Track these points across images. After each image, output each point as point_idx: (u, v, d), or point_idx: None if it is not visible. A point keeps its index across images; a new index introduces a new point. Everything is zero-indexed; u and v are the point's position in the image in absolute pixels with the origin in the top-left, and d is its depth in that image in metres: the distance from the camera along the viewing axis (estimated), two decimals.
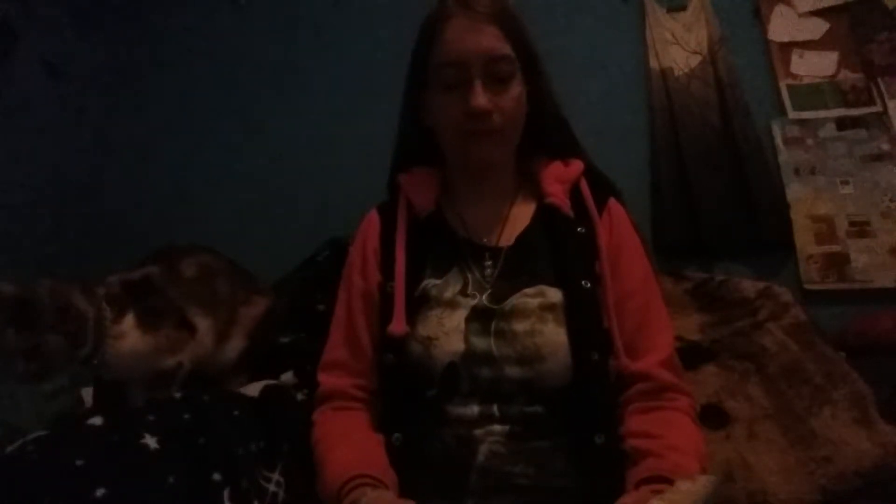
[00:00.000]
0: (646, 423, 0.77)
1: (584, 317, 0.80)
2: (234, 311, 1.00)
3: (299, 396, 0.97)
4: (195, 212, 2.07)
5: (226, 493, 0.74)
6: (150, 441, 0.71)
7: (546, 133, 0.92)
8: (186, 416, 0.79)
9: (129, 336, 0.87)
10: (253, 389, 0.94)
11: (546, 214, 0.88)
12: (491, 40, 0.82)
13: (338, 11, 2.11)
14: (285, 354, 1.13)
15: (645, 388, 0.80)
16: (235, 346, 0.97)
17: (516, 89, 0.84)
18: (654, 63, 1.84)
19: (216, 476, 0.74)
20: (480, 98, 0.80)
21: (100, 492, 0.63)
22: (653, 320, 0.85)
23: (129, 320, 0.88)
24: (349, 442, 0.80)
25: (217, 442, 0.77)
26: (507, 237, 0.89)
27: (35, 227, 1.91)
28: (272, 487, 0.81)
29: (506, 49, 0.83)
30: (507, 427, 0.76)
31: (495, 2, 0.84)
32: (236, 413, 0.85)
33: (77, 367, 0.85)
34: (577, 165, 0.92)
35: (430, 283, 0.86)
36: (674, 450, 0.72)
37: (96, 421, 0.73)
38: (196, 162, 2.11)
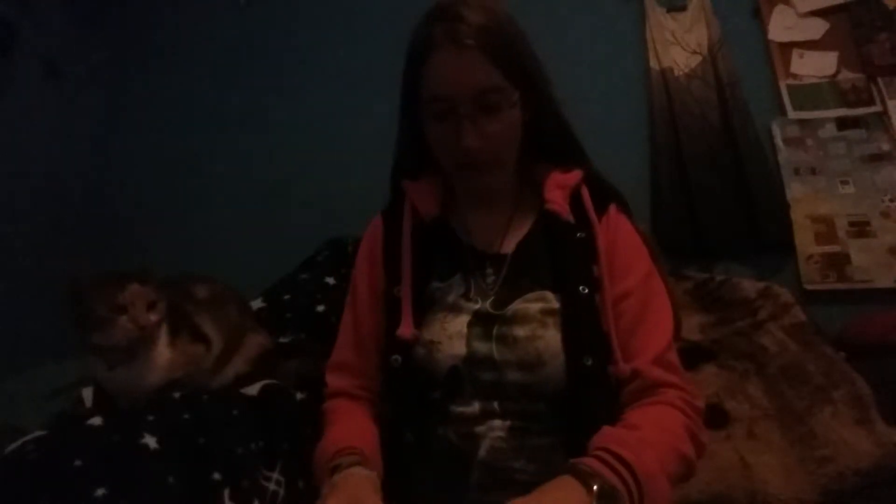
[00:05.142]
0: (630, 416, 0.77)
1: (580, 322, 0.80)
2: (242, 335, 1.01)
3: (299, 396, 0.97)
4: (195, 212, 2.07)
5: (226, 493, 0.74)
6: (150, 441, 0.71)
7: (548, 142, 0.92)
8: (186, 415, 0.79)
9: (160, 344, 0.86)
10: (252, 389, 0.94)
11: (546, 220, 0.89)
12: (479, 74, 0.79)
13: (338, 11, 2.12)
14: (285, 354, 1.14)
15: (636, 388, 0.79)
16: (235, 368, 0.97)
17: (507, 117, 0.82)
18: (654, 63, 1.84)
19: (216, 476, 0.74)
20: (468, 139, 0.80)
21: (100, 492, 0.63)
22: (648, 320, 0.83)
23: (163, 327, 0.87)
24: (348, 420, 0.86)
25: (217, 442, 0.77)
26: (509, 244, 0.90)
27: (35, 228, 1.91)
28: (272, 486, 0.81)
29: (494, 79, 0.79)
30: (508, 422, 0.78)
31: (482, 28, 0.79)
32: (236, 413, 0.85)
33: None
34: (576, 172, 0.91)
35: (435, 286, 0.87)
36: (643, 443, 0.70)
37: (96, 421, 0.72)
38: (196, 162, 2.11)
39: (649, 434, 0.72)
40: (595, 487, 0.63)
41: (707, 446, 0.81)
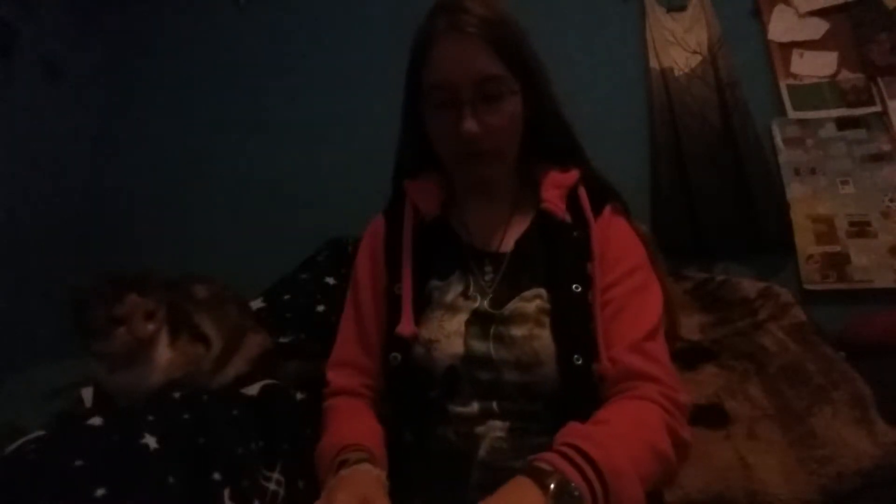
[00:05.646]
0: (602, 411, 0.74)
1: (570, 321, 0.79)
2: (242, 334, 1.01)
3: (299, 396, 0.97)
4: (195, 212, 2.07)
5: (226, 493, 0.74)
6: (150, 441, 0.71)
7: (547, 141, 0.92)
8: (186, 415, 0.79)
9: (160, 346, 0.87)
10: (252, 389, 0.94)
11: (543, 220, 0.89)
12: (480, 61, 0.80)
13: (338, 12, 2.12)
14: (285, 354, 1.14)
15: (612, 378, 0.77)
16: (235, 368, 0.97)
17: (508, 107, 0.83)
18: (654, 63, 1.84)
19: (216, 476, 0.74)
20: (469, 124, 0.80)
21: (100, 492, 0.63)
22: (629, 310, 0.81)
23: (163, 330, 0.88)
24: (354, 418, 0.85)
25: (217, 442, 0.77)
26: (508, 243, 0.90)
27: (35, 228, 1.91)
28: (272, 486, 0.81)
29: (496, 68, 0.81)
30: (507, 423, 0.78)
31: (485, 19, 0.81)
32: (236, 413, 0.85)
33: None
34: (573, 173, 0.92)
35: (434, 284, 0.87)
36: (611, 438, 0.67)
37: (96, 421, 0.72)
38: (196, 163, 2.11)
39: (620, 429, 0.69)
40: (552, 486, 0.60)
41: (691, 444, 0.76)
